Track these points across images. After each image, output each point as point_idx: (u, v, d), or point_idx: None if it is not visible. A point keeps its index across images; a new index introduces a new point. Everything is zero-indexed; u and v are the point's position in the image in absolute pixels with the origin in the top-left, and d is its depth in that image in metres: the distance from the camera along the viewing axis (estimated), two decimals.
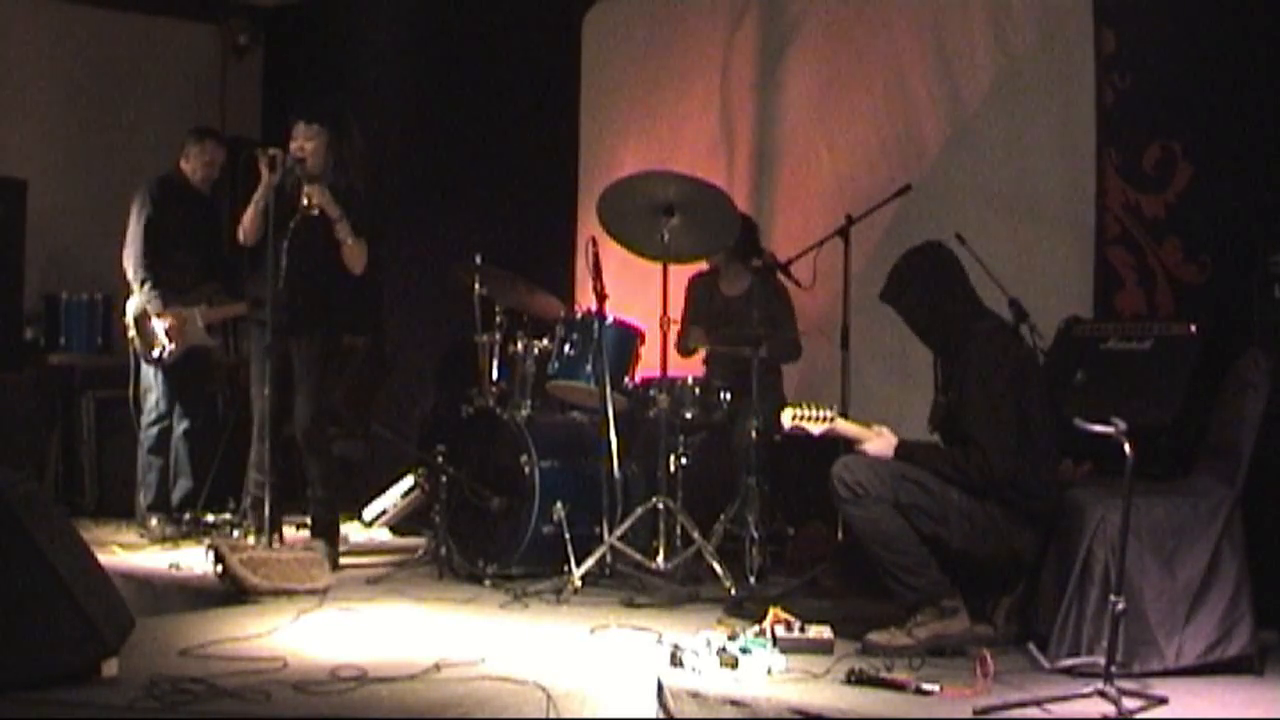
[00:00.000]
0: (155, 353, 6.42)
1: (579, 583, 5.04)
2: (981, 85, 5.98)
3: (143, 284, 6.40)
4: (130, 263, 6.45)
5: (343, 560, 5.81)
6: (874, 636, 4.22)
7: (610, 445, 5.29)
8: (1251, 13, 5.18)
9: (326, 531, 5.82)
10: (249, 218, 5.65)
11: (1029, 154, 5.81)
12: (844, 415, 4.57)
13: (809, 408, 4.49)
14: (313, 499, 5.85)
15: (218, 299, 6.56)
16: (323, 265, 5.68)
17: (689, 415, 5.55)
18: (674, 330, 5.47)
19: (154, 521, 6.39)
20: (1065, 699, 3.62)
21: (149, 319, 6.40)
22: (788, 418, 4.50)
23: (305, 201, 5.58)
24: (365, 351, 7.76)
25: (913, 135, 6.17)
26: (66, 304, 7.47)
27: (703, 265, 6.21)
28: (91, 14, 8.14)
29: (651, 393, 5.45)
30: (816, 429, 4.47)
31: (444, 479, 5.57)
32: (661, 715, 3.82)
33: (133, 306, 6.47)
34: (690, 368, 6.12)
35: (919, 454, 4.37)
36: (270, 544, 5.36)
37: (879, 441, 4.43)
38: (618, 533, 5.18)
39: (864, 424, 4.52)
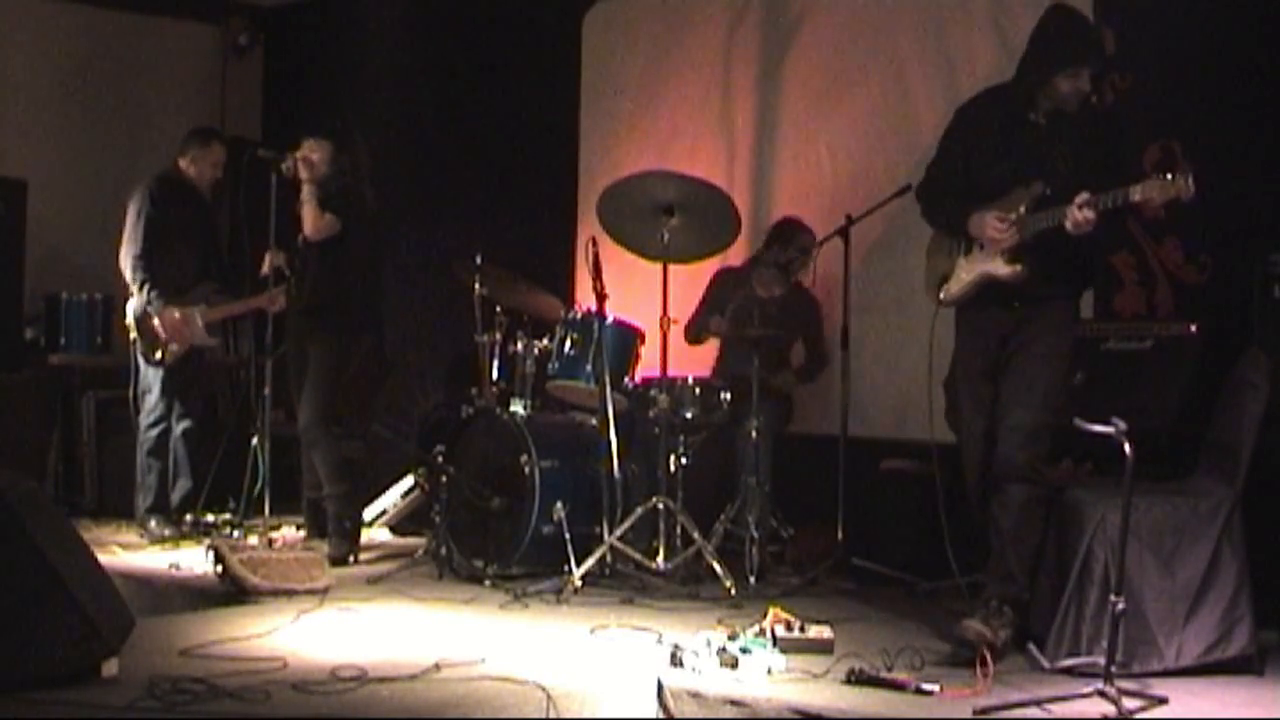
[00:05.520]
0: (158, 354, 6.42)
1: (579, 583, 5.04)
2: (982, 85, 5.95)
3: (142, 286, 6.40)
4: (128, 263, 6.44)
5: None
6: (974, 624, 4.12)
7: (610, 445, 5.29)
8: (1251, 12, 5.18)
9: (345, 528, 5.86)
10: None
11: None
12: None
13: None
14: (327, 496, 5.88)
15: (215, 299, 6.55)
16: (333, 269, 5.78)
17: (689, 415, 5.54)
18: (673, 327, 5.44)
19: (153, 523, 6.38)
20: (1065, 699, 3.63)
21: (150, 320, 6.40)
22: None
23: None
24: (366, 351, 7.75)
25: (913, 135, 6.15)
26: (66, 304, 7.47)
27: (730, 261, 6.19)
28: (92, 14, 8.14)
29: (651, 393, 5.44)
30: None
31: (444, 479, 5.57)
32: (661, 715, 3.82)
33: (133, 307, 6.47)
34: (698, 361, 6.11)
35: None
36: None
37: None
38: (618, 533, 5.18)
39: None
